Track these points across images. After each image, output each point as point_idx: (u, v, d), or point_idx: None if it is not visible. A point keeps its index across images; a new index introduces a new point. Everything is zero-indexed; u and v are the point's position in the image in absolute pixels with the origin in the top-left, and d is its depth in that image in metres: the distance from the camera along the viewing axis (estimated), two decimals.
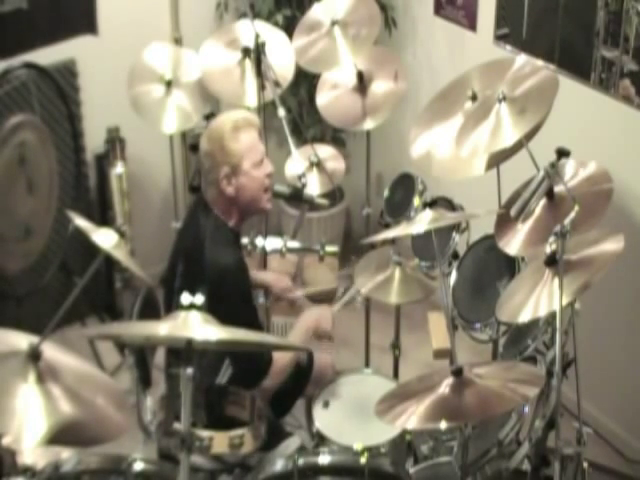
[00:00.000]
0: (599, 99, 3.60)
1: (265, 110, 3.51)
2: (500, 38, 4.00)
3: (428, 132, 3.20)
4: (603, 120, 3.64)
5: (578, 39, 3.67)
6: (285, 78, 3.67)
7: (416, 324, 3.97)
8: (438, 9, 4.31)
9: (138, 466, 2.49)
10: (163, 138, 4.17)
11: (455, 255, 3.35)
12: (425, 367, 3.84)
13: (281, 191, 3.32)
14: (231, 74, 3.71)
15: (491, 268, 3.19)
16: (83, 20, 4.24)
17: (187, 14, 4.50)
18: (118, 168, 4.39)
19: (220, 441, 2.50)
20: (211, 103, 4.03)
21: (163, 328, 2.09)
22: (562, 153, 2.76)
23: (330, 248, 3.51)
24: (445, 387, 2.34)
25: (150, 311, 3.16)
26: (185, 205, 4.31)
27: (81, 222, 2.39)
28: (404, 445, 2.97)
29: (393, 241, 3.56)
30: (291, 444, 2.84)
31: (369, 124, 3.67)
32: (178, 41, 4.46)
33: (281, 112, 3.32)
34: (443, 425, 2.30)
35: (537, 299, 2.43)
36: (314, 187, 3.61)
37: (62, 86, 4.18)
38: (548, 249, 2.43)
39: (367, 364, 3.92)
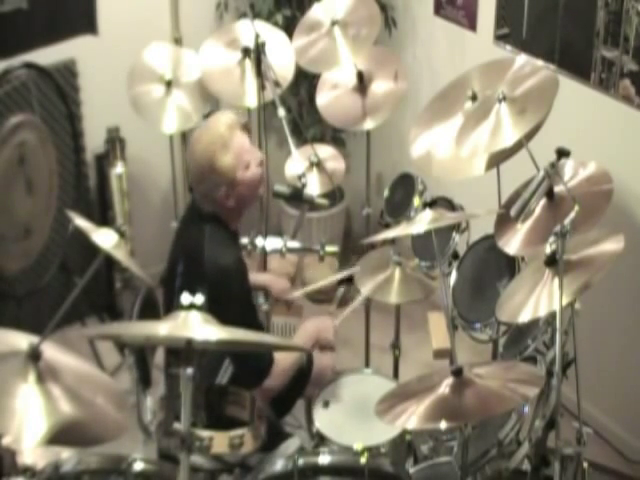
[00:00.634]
0: (599, 99, 3.60)
1: (265, 110, 3.51)
2: (500, 38, 4.00)
3: (428, 132, 3.20)
4: (603, 120, 3.64)
5: (578, 39, 3.67)
6: (285, 78, 3.67)
7: (416, 324, 3.98)
8: (438, 9, 4.31)
9: (138, 466, 2.49)
10: (163, 138, 4.17)
11: (455, 255, 3.35)
12: (425, 367, 3.84)
13: (281, 191, 3.31)
14: (231, 74, 3.71)
15: (491, 268, 3.19)
16: (83, 20, 4.24)
17: (187, 14, 4.50)
18: (118, 168, 4.39)
19: (220, 441, 2.50)
20: (211, 103, 4.03)
21: (163, 328, 2.09)
22: (562, 153, 2.76)
23: (330, 248, 3.51)
24: (445, 387, 2.34)
25: (150, 311, 3.16)
26: (185, 205, 4.31)
27: (81, 222, 2.39)
28: (404, 445, 2.97)
29: (393, 241, 3.56)
30: (291, 445, 2.84)
31: (369, 124, 3.67)
32: (178, 41, 4.46)
33: (281, 112, 3.32)
34: (443, 425, 2.30)
35: (537, 299, 2.43)
36: (314, 187, 3.61)
37: (62, 86, 4.18)
38: (548, 249, 2.43)
39: (367, 364, 3.92)
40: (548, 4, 3.74)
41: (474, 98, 3.07)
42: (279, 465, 2.58)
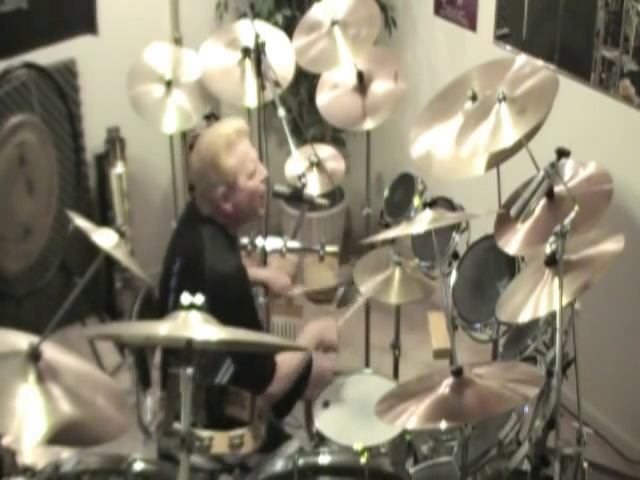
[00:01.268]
0: (599, 99, 3.60)
1: (265, 110, 3.51)
2: (500, 38, 4.00)
3: (428, 132, 3.20)
4: (603, 120, 3.64)
5: (578, 39, 3.67)
6: (285, 78, 3.67)
7: (416, 324, 3.98)
8: (438, 9, 4.31)
9: (138, 466, 2.49)
10: (163, 138, 4.17)
11: (455, 255, 3.35)
12: (425, 367, 3.84)
13: (281, 191, 3.31)
14: (231, 74, 3.71)
15: (491, 268, 3.19)
16: (83, 20, 4.24)
17: (187, 14, 4.50)
18: (118, 168, 4.39)
19: (220, 441, 2.50)
20: (211, 103, 4.03)
21: (163, 328, 2.09)
22: (562, 153, 2.76)
23: (330, 248, 3.51)
24: (445, 387, 2.34)
25: (150, 311, 3.15)
26: (184, 205, 4.31)
27: (81, 222, 2.39)
28: (404, 445, 2.97)
29: (393, 241, 3.56)
30: (290, 447, 2.84)
31: (369, 124, 3.67)
32: (178, 41, 4.46)
33: (281, 112, 3.32)
34: (443, 425, 2.30)
35: (537, 299, 2.43)
36: (314, 187, 3.60)
37: (62, 86, 4.18)
38: (548, 249, 2.43)
39: (367, 364, 3.92)
40: (548, 4, 3.74)
41: (474, 98, 3.07)
42: (279, 465, 2.58)
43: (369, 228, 3.94)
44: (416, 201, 3.52)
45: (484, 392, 2.33)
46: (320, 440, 2.94)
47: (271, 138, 4.04)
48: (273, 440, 2.77)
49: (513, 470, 2.76)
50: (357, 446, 2.65)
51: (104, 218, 4.43)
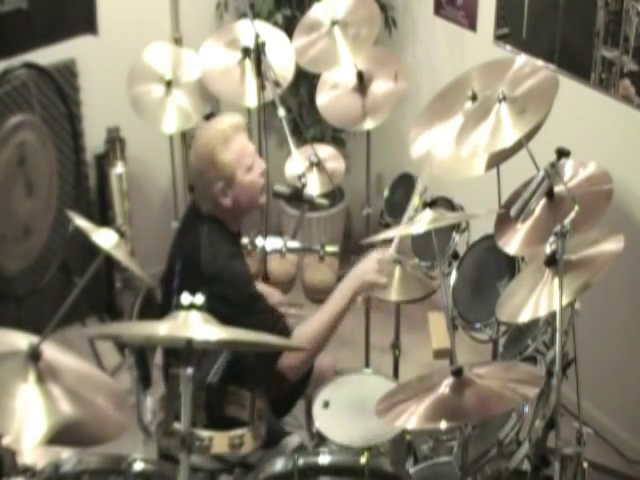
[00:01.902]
0: (599, 99, 3.60)
1: (265, 110, 3.51)
2: (500, 38, 4.00)
3: (428, 132, 3.20)
4: (603, 120, 3.64)
5: (578, 39, 3.67)
6: (285, 78, 3.67)
7: (416, 324, 3.97)
8: (438, 9, 4.31)
9: (138, 466, 2.49)
10: (163, 138, 4.17)
11: (455, 255, 3.35)
12: (425, 367, 3.84)
13: (281, 191, 3.31)
14: (231, 74, 3.71)
15: (491, 268, 3.19)
16: (83, 20, 4.24)
17: (187, 14, 4.50)
18: (118, 168, 4.39)
19: (220, 441, 2.50)
20: (211, 103, 4.03)
21: (163, 328, 2.09)
22: (562, 153, 2.76)
23: (330, 248, 3.51)
24: (445, 387, 2.34)
25: (150, 311, 3.15)
26: (185, 205, 4.31)
27: (81, 222, 2.39)
28: (404, 445, 2.96)
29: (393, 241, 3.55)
30: (290, 442, 2.83)
31: (369, 124, 3.67)
32: (178, 41, 4.46)
33: (281, 112, 3.32)
34: (443, 425, 2.30)
35: (537, 299, 2.43)
36: (314, 187, 3.60)
37: (62, 86, 4.18)
38: (548, 249, 2.43)
39: (367, 364, 3.92)
40: (548, 4, 3.74)
41: (474, 98, 3.07)
42: (279, 465, 2.58)
43: (369, 228, 3.94)
44: (416, 201, 3.52)
45: (484, 392, 2.33)
46: (320, 440, 2.94)
47: (271, 138, 4.04)
48: (273, 439, 2.77)
49: (513, 470, 2.76)
50: (357, 446, 2.64)
51: (104, 218, 4.43)
